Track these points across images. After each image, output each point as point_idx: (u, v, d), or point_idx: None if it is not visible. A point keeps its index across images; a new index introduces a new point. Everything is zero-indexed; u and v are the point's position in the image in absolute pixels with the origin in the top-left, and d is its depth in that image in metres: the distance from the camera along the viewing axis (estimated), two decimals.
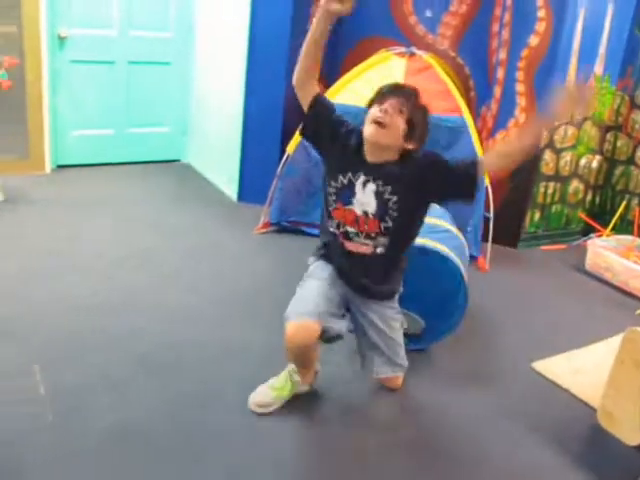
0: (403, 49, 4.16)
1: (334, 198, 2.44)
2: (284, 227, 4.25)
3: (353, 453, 2.36)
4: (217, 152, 5.05)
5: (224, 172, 4.91)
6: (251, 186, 4.64)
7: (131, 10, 5.02)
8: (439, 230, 3.05)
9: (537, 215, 4.54)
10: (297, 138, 4.08)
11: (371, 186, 2.36)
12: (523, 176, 4.35)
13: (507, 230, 4.34)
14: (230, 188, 4.82)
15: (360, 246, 2.44)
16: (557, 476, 2.38)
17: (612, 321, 3.49)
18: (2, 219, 4.07)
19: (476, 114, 4.39)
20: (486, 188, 3.98)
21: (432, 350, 3.05)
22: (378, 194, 2.36)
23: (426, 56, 4.14)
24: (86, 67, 5.00)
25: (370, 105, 2.35)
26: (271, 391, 2.52)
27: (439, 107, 3.90)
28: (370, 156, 2.37)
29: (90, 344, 2.84)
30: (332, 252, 2.53)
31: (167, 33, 5.23)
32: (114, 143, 5.30)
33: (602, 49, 4.36)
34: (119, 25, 5.02)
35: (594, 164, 4.72)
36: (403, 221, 2.39)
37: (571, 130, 4.43)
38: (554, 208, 4.61)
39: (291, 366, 2.53)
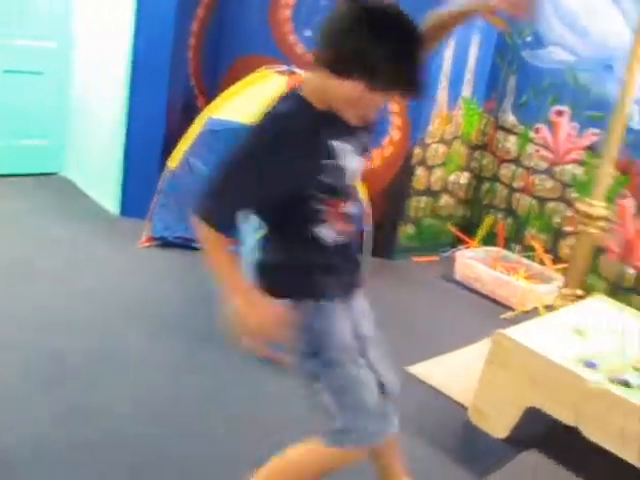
0: (284, 67, 4.29)
1: (324, 197, 1.76)
2: (169, 242, 4.26)
3: None
4: (98, 165, 4.99)
5: (105, 186, 4.86)
6: (134, 200, 4.61)
7: (7, 17, 4.90)
8: None
9: (410, 228, 4.78)
10: (179, 152, 4.12)
11: (347, 146, 1.76)
12: (397, 191, 4.59)
13: (383, 243, 4.53)
14: (111, 202, 4.78)
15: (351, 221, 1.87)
16: (434, 468, 2.57)
17: (480, 327, 3.74)
18: None
19: None
20: (363, 203, 4.16)
21: None
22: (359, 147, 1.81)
23: (305, 75, 4.28)
24: None
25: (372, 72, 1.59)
26: None
27: None
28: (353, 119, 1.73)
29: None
30: (331, 270, 1.84)
31: (45, 42, 5.13)
32: None
33: (469, 74, 4.68)
34: None
35: (462, 180, 5.04)
36: None
37: (442, 148, 4.71)
38: (426, 221, 4.88)
39: None
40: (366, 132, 1.82)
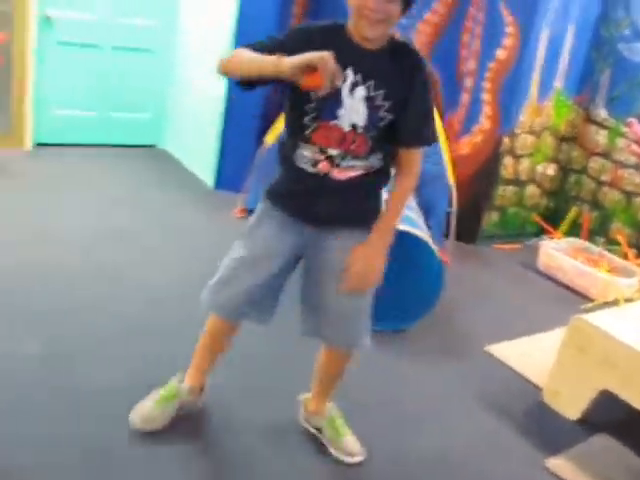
0: None
1: (313, 115, 1.94)
2: None
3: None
4: (195, 139, 5.24)
5: (201, 159, 5.11)
6: (229, 174, 4.84)
7: None
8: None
9: (495, 216, 4.86)
10: (276, 129, 4.31)
11: (360, 91, 1.91)
12: (484, 179, 4.68)
13: (467, 228, 4.63)
14: (207, 175, 5.02)
15: (347, 172, 2.00)
16: (509, 442, 2.70)
17: (560, 315, 3.80)
18: None
19: (444, 118, 4.68)
20: (450, 187, 4.27)
21: (389, 331, 3.32)
22: (369, 100, 1.92)
23: None
24: (72, 49, 5.13)
25: None
26: (155, 403, 2.36)
27: None
28: (361, 40, 1.90)
29: (82, 312, 3.05)
30: (297, 189, 2.07)
31: (152, 21, 5.40)
32: (94, 125, 5.44)
33: (562, 66, 4.72)
34: (105, 10, 5.17)
35: (550, 171, 5.08)
36: (390, 132, 1.99)
37: (530, 139, 4.76)
38: (511, 210, 4.95)
39: (177, 377, 2.43)
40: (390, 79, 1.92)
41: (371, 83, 1.90)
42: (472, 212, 4.67)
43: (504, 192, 4.84)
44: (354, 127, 1.94)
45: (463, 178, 4.52)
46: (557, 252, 4.48)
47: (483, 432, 2.75)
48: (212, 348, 2.39)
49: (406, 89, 1.93)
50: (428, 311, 3.30)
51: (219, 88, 4.78)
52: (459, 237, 4.47)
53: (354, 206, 2.07)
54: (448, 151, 4.42)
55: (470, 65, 4.57)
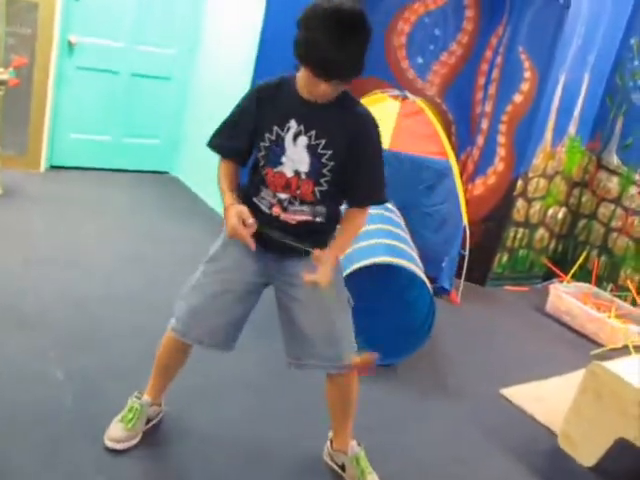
0: (397, 92, 4.47)
1: (263, 163, 2.11)
2: None
3: None
4: (207, 167, 5.25)
5: (213, 187, 5.11)
6: None
7: (139, 25, 5.26)
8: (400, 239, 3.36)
9: (505, 257, 4.89)
10: None
11: (303, 140, 2.05)
12: (496, 220, 4.71)
13: (477, 269, 4.64)
14: (217, 203, 5.03)
15: (297, 215, 2.14)
16: None
17: (569, 359, 3.84)
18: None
19: (457, 158, 4.73)
20: (464, 228, 4.30)
21: (402, 370, 3.32)
22: (310, 148, 2.05)
23: (418, 100, 4.46)
24: (91, 74, 5.20)
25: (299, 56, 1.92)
26: (123, 423, 2.39)
27: (427, 149, 4.24)
28: (308, 95, 2.02)
29: (97, 336, 3.06)
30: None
31: (171, 49, 5.47)
32: (108, 150, 5.48)
33: (577, 112, 4.78)
34: (126, 38, 5.25)
35: (560, 215, 5.12)
36: (337, 183, 2.11)
37: (543, 182, 4.81)
38: (521, 252, 4.98)
39: (135, 394, 2.49)
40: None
41: (312, 133, 2.04)
42: (483, 253, 4.70)
43: (515, 234, 4.87)
44: (297, 173, 2.08)
45: (475, 219, 4.56)
46: (567, 296, 4.50)
47: (497, 475, 2.74)
48: (171, 364, 2.46)
49: (350, 141, 2.04)
50: (420, 346, 3.28)
51: None
52: (469, 278, 4.49)
53: (308, 244, 2.13)
54: (462, 192, 4.46)
55: (486, 108, 4.63)
